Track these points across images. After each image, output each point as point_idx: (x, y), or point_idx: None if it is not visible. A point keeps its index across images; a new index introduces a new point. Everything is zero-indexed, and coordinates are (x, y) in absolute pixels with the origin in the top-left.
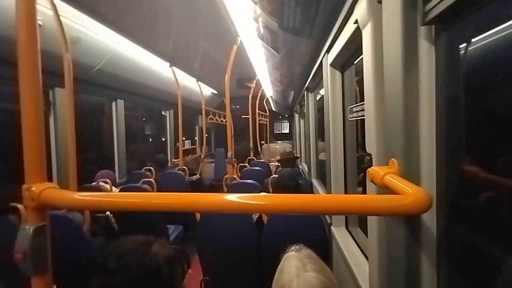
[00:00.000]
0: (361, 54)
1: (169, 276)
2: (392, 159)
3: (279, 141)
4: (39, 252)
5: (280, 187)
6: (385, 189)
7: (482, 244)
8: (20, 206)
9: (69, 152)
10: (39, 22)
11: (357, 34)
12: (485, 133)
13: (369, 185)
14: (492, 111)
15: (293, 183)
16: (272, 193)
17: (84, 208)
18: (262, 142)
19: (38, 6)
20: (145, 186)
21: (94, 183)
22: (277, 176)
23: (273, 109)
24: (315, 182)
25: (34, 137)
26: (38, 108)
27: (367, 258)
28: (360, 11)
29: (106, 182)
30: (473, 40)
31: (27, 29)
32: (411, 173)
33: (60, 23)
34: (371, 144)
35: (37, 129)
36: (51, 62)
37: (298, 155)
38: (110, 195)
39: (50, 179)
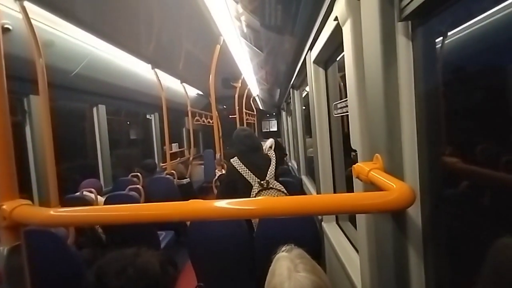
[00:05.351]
0: (343, 50)
1: (164, 282)
2: (376, 154)
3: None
4: (16, 273)
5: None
6: (371, 185)
7: (466, 234)
8: None
9: (47, 163)
10: (8, 26)
11: (338, 31)
12: (464, 126)
13: (356, 180)
14: (470, 103)
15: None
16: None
17: (62, 225)
18: None
19: (6, 9)
20: (133, 193)
21: (78, 193)
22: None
23: (260, 107)
24: (305, 179)
25: (1, 150)
26: (5, 118)
27: (357, 251)
28: (340, 8)
29: (90, 191)
30: (449, 34)
31: None
32: (394, 168)
33: (31, 26)
34: (356, 140)
35: (4, 141)
36: (24, 68)
37: (287, 153)
38: (90, 209)
39: (29, 193)
